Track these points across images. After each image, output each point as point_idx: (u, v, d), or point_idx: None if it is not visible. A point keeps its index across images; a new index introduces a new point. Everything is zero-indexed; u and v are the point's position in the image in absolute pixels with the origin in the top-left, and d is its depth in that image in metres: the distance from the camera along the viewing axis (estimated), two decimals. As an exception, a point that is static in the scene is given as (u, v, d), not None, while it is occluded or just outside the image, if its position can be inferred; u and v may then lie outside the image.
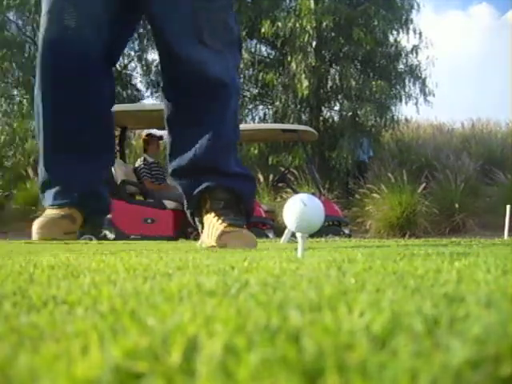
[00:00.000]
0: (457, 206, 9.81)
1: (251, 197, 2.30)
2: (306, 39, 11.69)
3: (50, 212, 2.04)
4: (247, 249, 1.80)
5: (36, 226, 1.94)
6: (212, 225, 2.11)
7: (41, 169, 2.14)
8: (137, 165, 6.95)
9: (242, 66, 11.65)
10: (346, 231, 7.36)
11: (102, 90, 2.18)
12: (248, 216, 2.24)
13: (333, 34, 12.39)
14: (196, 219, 2.25)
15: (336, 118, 13.31)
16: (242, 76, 12.37)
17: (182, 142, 2.19)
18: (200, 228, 2.23)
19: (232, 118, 2.22)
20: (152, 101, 13.37)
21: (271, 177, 10.02)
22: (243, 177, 2.23)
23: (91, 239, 6.21)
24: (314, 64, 11.88)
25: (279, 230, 6.22)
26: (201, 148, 2.14)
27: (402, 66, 12.89)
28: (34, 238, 1.93)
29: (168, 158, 2.26)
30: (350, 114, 12.46)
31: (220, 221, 2.09)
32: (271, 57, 13.89)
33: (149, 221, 6.45)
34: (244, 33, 11.98)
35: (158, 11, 2.11)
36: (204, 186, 2.15)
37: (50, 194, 2.09)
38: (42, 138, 2.11)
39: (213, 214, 2.12)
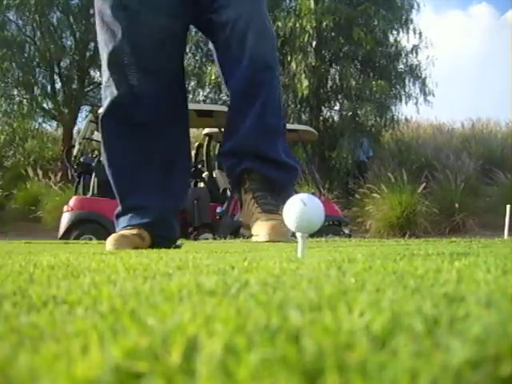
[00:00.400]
0: (457, 205, 9.81)
1: (287, 187, 2.33)
2: (305, 39, 11.69)
3: (123, 231, 2.19)
4: (276, 241, 1.89)
5: (110, 239, 2.09)
6: (249, 208, 2.18)
7: (118, 202, 2.29)
8: None
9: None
10: (346, 231, 7.35)
11: (171, 136, 2.29)
12: (283, 201, 2.29)
13: (333, 34, 12.39)
14: (236, 196, 2.34)
15: (336, 118, 13.31)
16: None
17: (231, 127, 2.28)
18: (239, 205, 2.31)
19: (277, 103, 2.26)
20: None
21: (271, 177, 10.01)
22: (285, 166, 2.27)
23: (91, 239, 6.21)
24: (314, 64, 11.89)
25: (279, 230, 6.21)
26: (245, 133, 2.21)
27: (401, 66, 12.89)
28: (107, 248, 2.04)
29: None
30: (350, 113, 12.46)
31: (256, 205, 2.15)
32: (271, 57, 13.85)
33: None
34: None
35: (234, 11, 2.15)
36: (243, 166, 2.21)
37: (123, 220, 2.24)
38: (115, 189, 2.26)
39: (250, 196, 2.18)
